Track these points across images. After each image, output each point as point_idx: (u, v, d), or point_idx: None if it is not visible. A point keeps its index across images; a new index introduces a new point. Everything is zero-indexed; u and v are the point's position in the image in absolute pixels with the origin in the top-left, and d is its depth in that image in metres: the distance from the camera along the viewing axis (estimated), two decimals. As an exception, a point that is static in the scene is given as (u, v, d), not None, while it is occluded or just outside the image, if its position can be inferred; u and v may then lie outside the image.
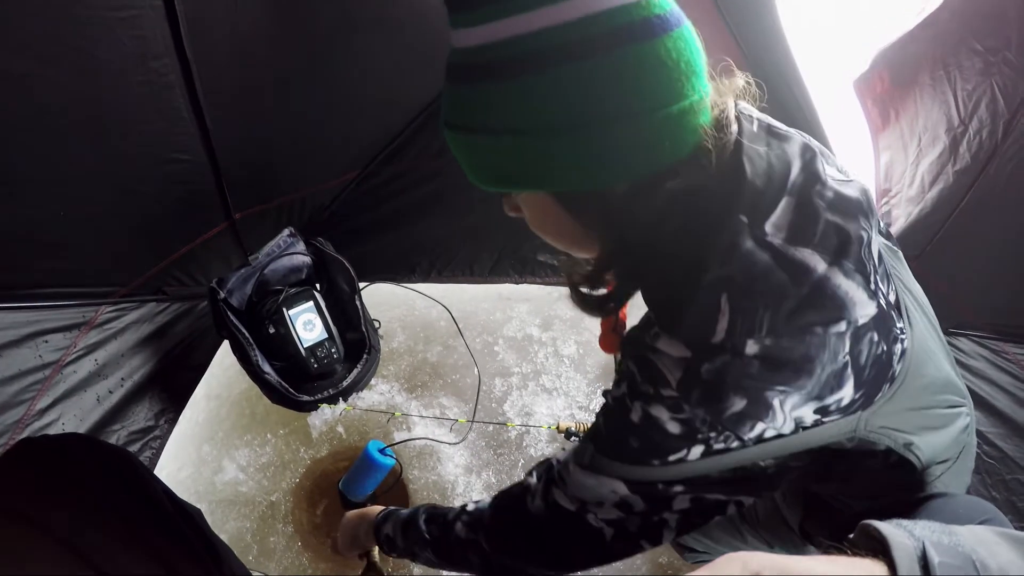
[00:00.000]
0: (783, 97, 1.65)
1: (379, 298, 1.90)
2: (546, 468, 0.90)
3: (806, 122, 1.68)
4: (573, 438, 1.73)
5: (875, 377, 0.74)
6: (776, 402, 0.70)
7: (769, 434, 0.72)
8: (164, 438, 1.65)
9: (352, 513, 1.26)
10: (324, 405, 1.77)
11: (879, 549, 0.53)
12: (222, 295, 1.70)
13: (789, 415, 0.71)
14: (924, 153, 1.55)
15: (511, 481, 1.71)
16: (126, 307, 1.58)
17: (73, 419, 1.45)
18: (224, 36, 1.29)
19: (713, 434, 0.72)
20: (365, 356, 1.82)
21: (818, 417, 0.73)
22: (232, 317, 1.70)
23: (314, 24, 1.42)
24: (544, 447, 1.75)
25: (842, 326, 0.69)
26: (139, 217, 1.47)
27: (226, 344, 1.77)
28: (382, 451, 1.60)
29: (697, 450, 0.74)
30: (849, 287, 0.70)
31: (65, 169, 1.23)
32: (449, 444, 1.76)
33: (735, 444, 0.73)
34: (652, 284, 0.79)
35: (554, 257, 1.91)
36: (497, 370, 1.89)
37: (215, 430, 1.76)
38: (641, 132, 0.67)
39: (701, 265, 0.70)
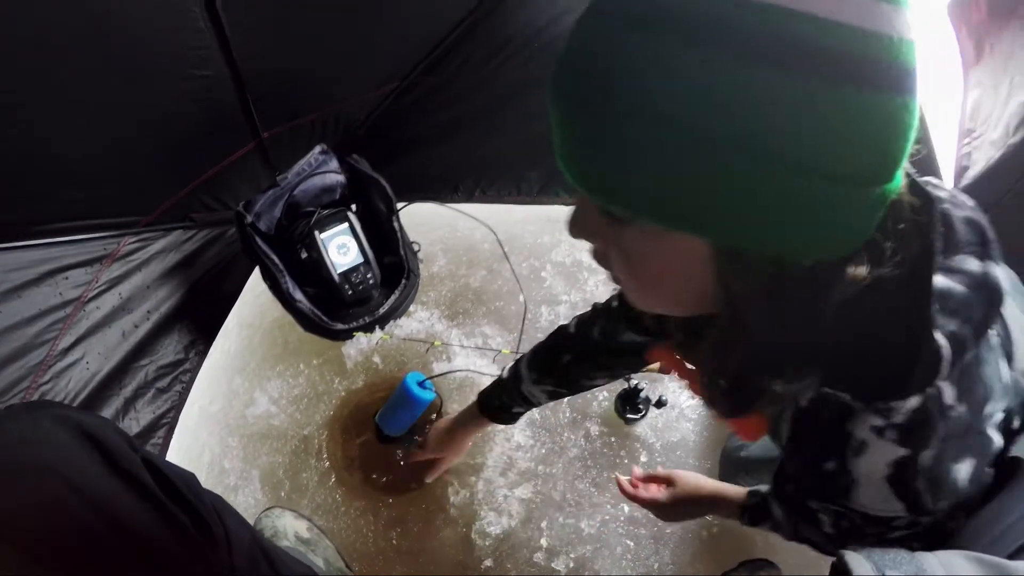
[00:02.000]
0: None
1: (419, 219, 1.76)
2: None
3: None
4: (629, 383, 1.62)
5: None
6: None
7: None
8: (195, 371, 1.59)
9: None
10: (359, 334, 1.68)
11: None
12: (249, 219, 1.60)
13: None
14: (1014, 93, 1.30)
15: (555, 417, 1.63)
16: (150, 236, 1.50)
17: (98, 357, 1.39)
18: None
19: None
20: (403, 281, 1.71)
21: None
22: (260, 242, 1.60)
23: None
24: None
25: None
26: (159, 140, 1.35)
27: (258, 271, 1.69)
28: (421, 384, 1.52)
29: None
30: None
31: (75, 92, 1.11)
32: (492, 376, 1.66)
33: None
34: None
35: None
36: (544, 297, 1.76)
37: (247, 361, 1.70)
38: (872, 201, 0.52)
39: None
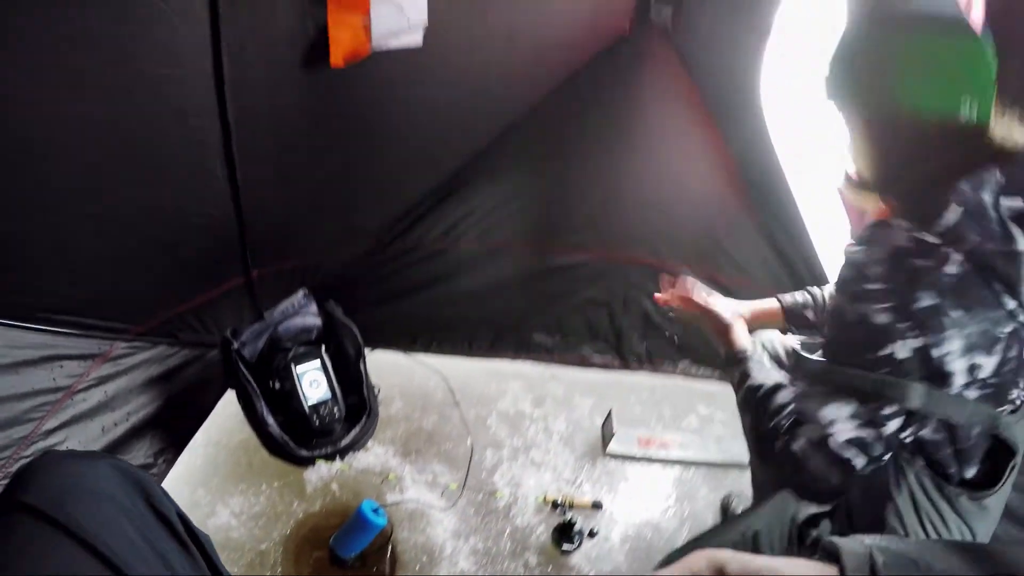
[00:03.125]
0: (768, 198, 1.84)
1: (381, 365, 1.99)
2: None
3: (790, 221, 1.87)
4: (559, 509, 1.79)
5: (1007, 380, 1.00)
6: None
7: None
8: (161, 477, 1.69)
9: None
10: (321, 461, 1.82)
11: (834, 558, 0.59)
12: (235, 345, 1.80)
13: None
14: None
15: (497, 548, 1.76)
16: (139, 346, 1.68)
17: (77, 445, 1.50)
18: (264, 104, 1.48)
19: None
20: (364, 418, 1.89)
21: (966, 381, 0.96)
22: (243, 368, 1.79)
23: (348, 102, 1.61)
24: (531, 517, 1.79)
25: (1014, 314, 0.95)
26: (163, 262, 1.60)
27: (228, 393, 1.85)
28: (375, 511, 1.65)
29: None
30: None
31: (98, 206, 1.37)
32: (439, 509, 1.80)
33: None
34: None
35: (550, 339, 2.05)
36: (489, 441, 1.96)
37: (211, 475, 1.79)
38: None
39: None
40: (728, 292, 1.97)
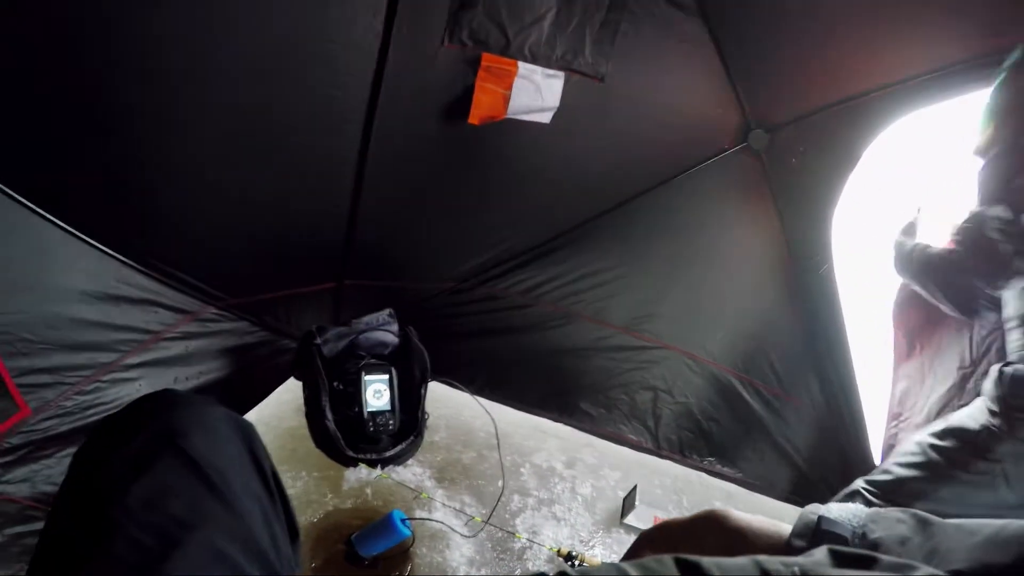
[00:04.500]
0: (824, 330, 2.02)
1: (436, 394, 2.16)
2: None
3: (840, 355, 2.04)
4: (570, 562, 1.89)
5: None
6: None
7: None
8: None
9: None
10: (364, 465, 1.98)
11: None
12: (318, 340, 2.00)
13: None
14: (936, 387, 1.84)
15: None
16: (227, 315, 1.89)
17: (149, 387, 1.67)
18: (403, 136, 1.72)
19: None
20: (412, 437, 2.05)
21: None
22: (319, 362, 1.99)
23: (475, 156, 1.85)
24: (542, 565, 1.90)
25: None
26: (270, 248, 1.83)
27: (289, 383, 2.04)
28: (403, 520, 1.79)
29: None
30: None
31: (231, 180, 1.60)
32: (462, 535, 1.92)
33: None
34: None
35: (594, 410, 2.21)
36: (518, 488, 2.09)
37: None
38: None
39: None
40: (766, 402, 2.14)
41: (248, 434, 1.04)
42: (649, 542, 0.86)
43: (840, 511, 0.72)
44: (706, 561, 0.55)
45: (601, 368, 2.19)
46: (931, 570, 0.53)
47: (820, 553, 0.59)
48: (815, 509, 0.72)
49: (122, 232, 1.52)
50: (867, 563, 0.56)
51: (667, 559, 0.57)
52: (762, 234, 2.04)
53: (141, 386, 1.65)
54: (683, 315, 2.14)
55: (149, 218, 1.56)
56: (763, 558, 0.56)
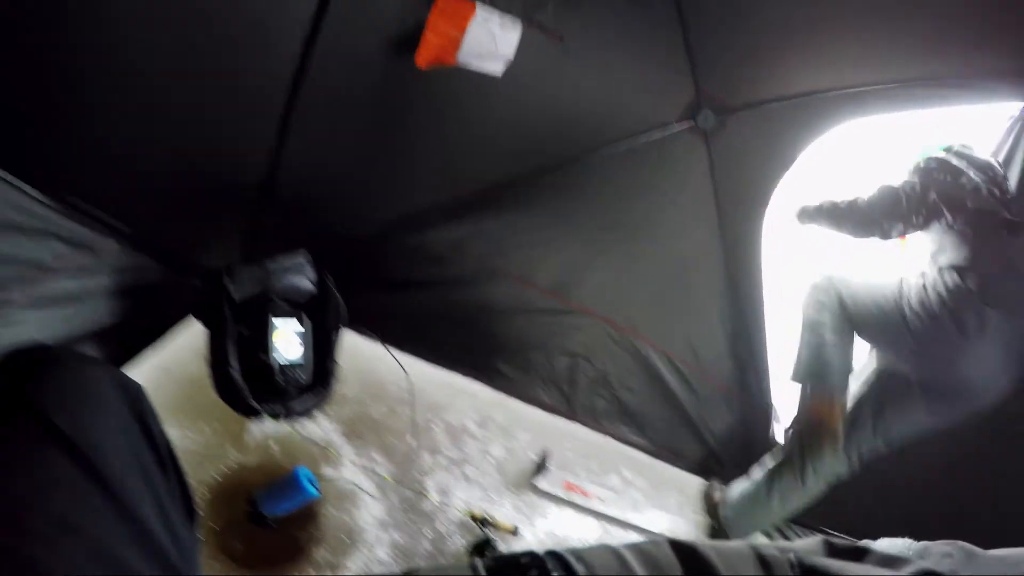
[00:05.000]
0: (743, 306, 2.07)
1: (346, 344, 2.03)
2: None
3: (755, 332, 2.10)
4: (481, 526, 1.88)
5: None
6: None
7: None
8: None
9: None
10: (269, 418, 1.84)
11: None
12: (227, 282, 1.81)
13: None
14: None
15: (415, 547, 1.83)
16: (128, 251, 1.65)
17: (35, 327, 1.43)
18: (342, 72, 1.59)
19: None
20: (322, 389, 1.93)
21: None
22: (226, 304, 1.80)
23: (414, 100, 1.73)
24: (452, 526, 1.87)
25: None
26: (183, 180, 1.63)
27: (190, 324, 1.85)
28: (310, 480, 1.69)
29: None
30: None
31: (147, 100, 1.40)
32: (371, 495, 1.85)
33: None
34: None
35: (512, 371, 2.17)
36: (429, 446, 2.03)
37: (152, 400, 1.78)
38: None
39: None
40: (682, 377, 2.19)
41: (135, 398, 0.93)
42: None
43: (891, 546, 0.69)
44: (703, 544, 0.56)
45: (522, 329, 2.14)
46: (922, 565, 0.55)
47: (814, 541, 0.59)
48: (867, 545, 0.68)
49: (17, 153, 1.27)
50: (859, 555, 0.57)
51: (663, 541, 0.57)
52: (697, 214, 2.05)
53: (28, 329, 1.42)
54: (610, 284, 2.12)
55: (46, 137, 1.33)
56: (758, 543, 0.56)
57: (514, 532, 1.91)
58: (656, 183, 2.03)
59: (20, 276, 1.39)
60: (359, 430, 1.99)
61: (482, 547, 1.82)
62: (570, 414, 2.16)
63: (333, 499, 1.82)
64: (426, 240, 2.06)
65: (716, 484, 2.23)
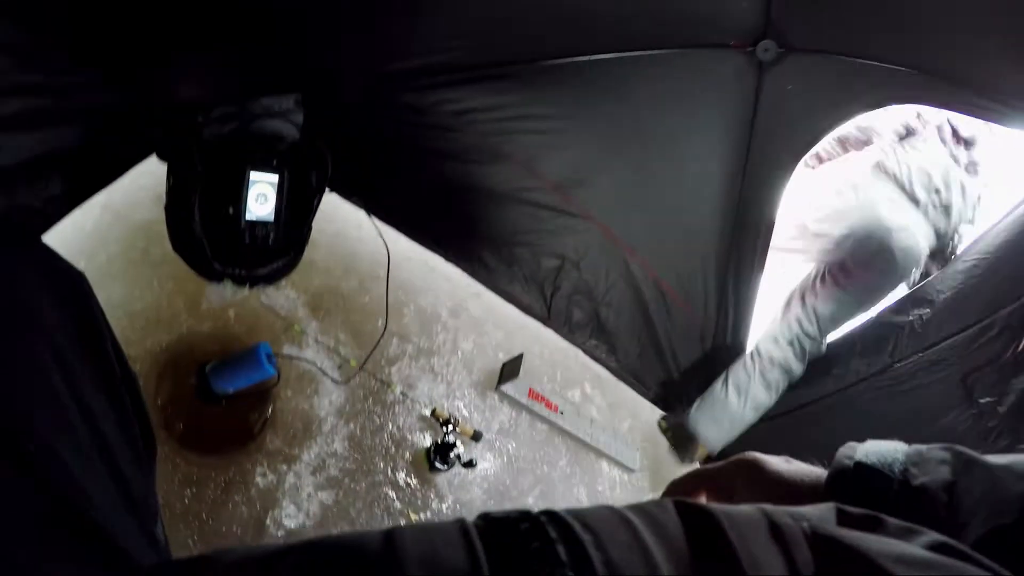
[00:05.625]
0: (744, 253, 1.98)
1: (324, 205, 1.77)
2: None
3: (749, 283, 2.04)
4: (447, 426, 1.79)
5: None
6: None
7: None
8: (43, 229, 1.35)
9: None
10: (228, 281, 1.60)
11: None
12: (200, 118, 1.47)
13: None
14: None
15: (373, 442, 1.72)
16: (85, 69, 1.28)
17: None
18: None
19: None
20: (292, 255, 1.69)
21: None
22: (195, 147, 1.48)
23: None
24: (414, 422, 1.77)
25: None
26: None
27: (150, 164, 1.52)
28: (269, 357, 1.51)
29: None
30: None
31: None
32: (333, 380, 1.70)
33: None
34: None
35: (494, 262, 1.99)
36: (398, 330, 1.87)
37: (98, 248, 1.49)
38: None
39: None
40: (665, 305, 2.10)
41: (78, 298, 0.77)
42: (677, 489, 0.80)
43: (878, 453, 0.65)
44: (714, 508, 0.51)
45: (515, 220, 1.94)
46: (937, 536, 0.51)
47: (827, 509, 0.56)
48: (850, 452, 0.66)
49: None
50: (872, 525, 0.53)
51: (668, 503, 0.53)
52: (725, 147, 1.84)
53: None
54: (617, 194, 1.93)
55: None
56: (770, 509, 0.53)
57: (476, 438, 1.84)
58: (692, 103, 1.80)
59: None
60: (326, 305, 1.79)
61: (445, 450, 1.74)
62: (545, 319, 2.03)
63: (292, 380, 1.65)
64: (429, 103, 1.75)
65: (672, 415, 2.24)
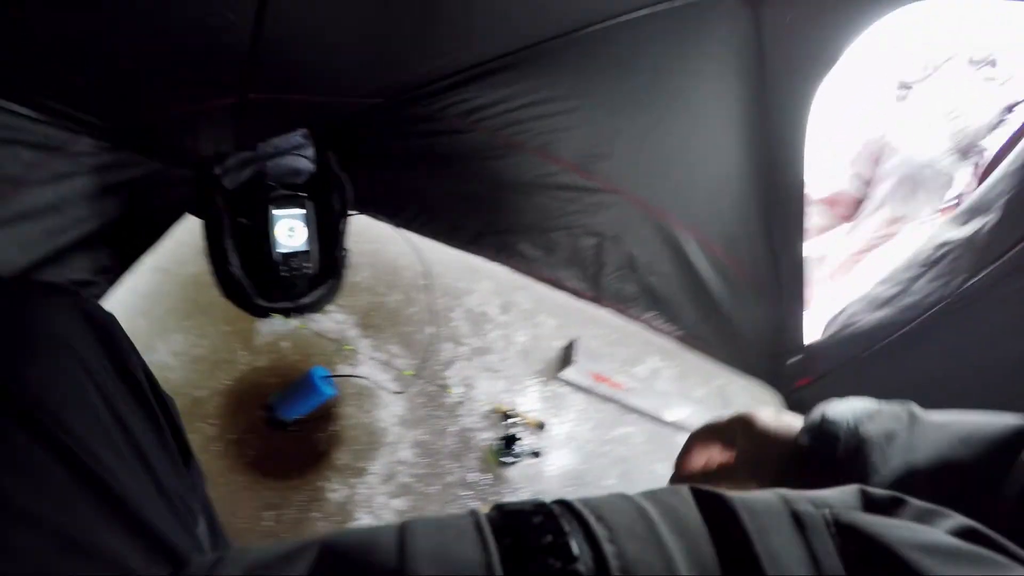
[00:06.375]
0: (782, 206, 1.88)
1: (355, 228, 1.84)
2: None
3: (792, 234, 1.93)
4: (507, 421, 1.80)
5: None
6: None
7: None
8: (99, 297, 1.49)
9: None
10: (277, 315, 1.70)
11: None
12: (218, 169, 1.59)
13: None
14: None
15: (440, 444, 1.76)
16: (105, 146, 1.42)
17: (14, 248, 1.26)
18: None
19: None
20: (332, 280, 1.77)
21: None
22: (219, 196, 1.59)
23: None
24: (477, 421, 1.80)
25: None
26: (157, 52, 1.31)
27: (188, 220, 1.65)
28: (325, 378, 1.58)
29: None
30: None
31: None
32: (390, 392, 1.75)
33: None
34: None
35: (534, 251, 2.00)
36: (449, 335, 1.91)
37: (154, 305, 1.62)
38: None
39: None
40: (711, 262, 2.03)
41: (110, 335, 0.79)
42: (697, 440, 0.88)
43: (844, 408, 0.72)
44: (730, 497, 0.51)
45: (543, 207, 1.94)
46: (963, 520, 0.50)
47: (850, 493, 0.55)
48: (825, 404, 0.74)
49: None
50: (894, 507, 0.53)
51: (684, 491, 0.53)
52: (738, 93, 1.78)
53: (3, 250, 1.22)
54: (639, 159, 1.89)
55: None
56: (790, 496, 0.52)
57: (540, 427, 1.85)
58: (695, 54, 1.74)
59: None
60: (375, 321, 1.85)
61: (510, 442, 1.75)
62: (597, 298, 2.02)
63: (352, 397, 1.72)
64: (436, 110, 1.79)
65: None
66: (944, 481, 0.60)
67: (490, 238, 1.96)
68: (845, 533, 0.48)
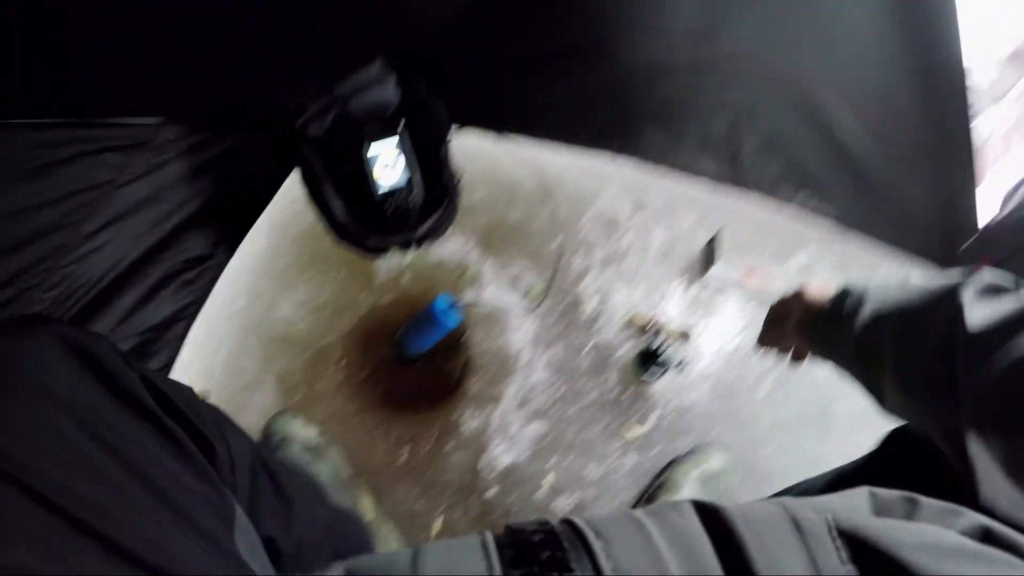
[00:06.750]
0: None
1: (465, 147, 1.74)
2: None
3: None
4: (647, 333, 1.67)
5: None
6: None
7: None
8: (220, 267, 1.56)
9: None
10: (393, 251, 1.69)
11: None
12: (300, 122, 1.56)
13: None
14: None
15: (576, 363, 1.68)
16: (185, 129, 1.42)
17: (125, 243, 1.35)
18: None
19: None
20: (444, 206, 1.71)
21: None
22: (307, 147, 1.57)
23: None
24: (615, 336, 1.69)
25: None
26: (214, 34, 1.29)
27: (293, 176, 1.66)
28: (448, 308, 1.54)
29: None
30: None
31: None
32: (518, 314, 1.69)
33: None
34: None
35: (661, 136, 1.76)
36: (578, 245, 1.78)
37: (274, 263, 1.69)
38: None
39: None
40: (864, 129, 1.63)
41: (93, 358, 0.74)
42: (773, 310, 1.09)
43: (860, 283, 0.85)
44: (730, 508, 0.54)
45: (667, 91, 1.65)
46: (979, 519, 0.51)
47: (859, 497, 0.57)
48: (853, 281, 0.88)
49: (21, 88, 1.04)
50: (907, 507, 0.54)
51: (686, 506, 0.56)
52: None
53: (114, 250, 1.31)
54: (767, 25, 1.52)
55: (52, 53, 1.04)
56: (792, 504, 0.54)
57: (685, 336, 1.69)
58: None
59: (82, 206, 1.25)
60: (496, 241, 1.77)
61: (651, 357, 1.63)
62: (739, 183, 1.74)
63: (479, 323, 1.68)
64: (525, 10, 1.59)
65: None
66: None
67: (612, 132, 1.74)
68: (847, 538, 0.50)
